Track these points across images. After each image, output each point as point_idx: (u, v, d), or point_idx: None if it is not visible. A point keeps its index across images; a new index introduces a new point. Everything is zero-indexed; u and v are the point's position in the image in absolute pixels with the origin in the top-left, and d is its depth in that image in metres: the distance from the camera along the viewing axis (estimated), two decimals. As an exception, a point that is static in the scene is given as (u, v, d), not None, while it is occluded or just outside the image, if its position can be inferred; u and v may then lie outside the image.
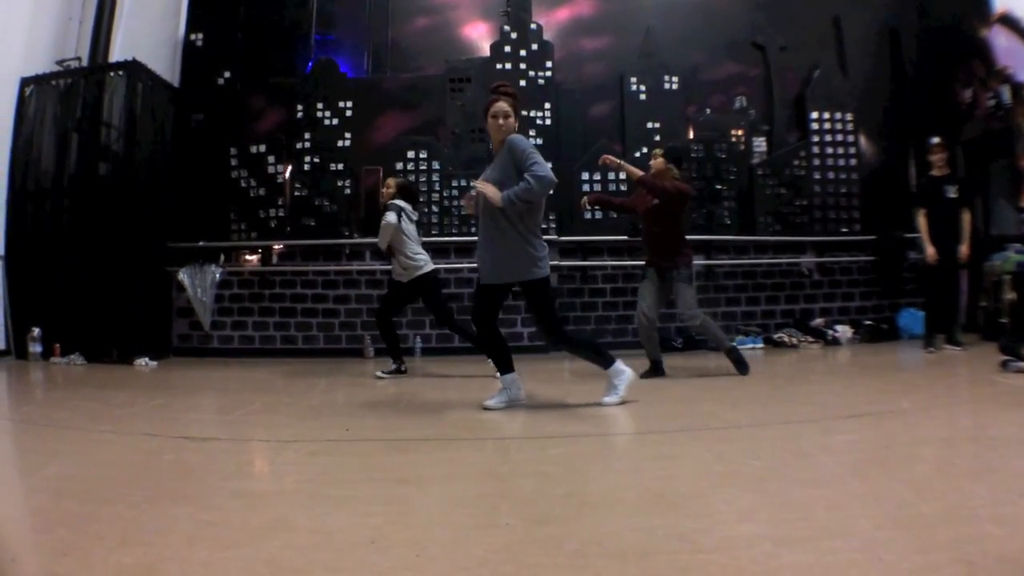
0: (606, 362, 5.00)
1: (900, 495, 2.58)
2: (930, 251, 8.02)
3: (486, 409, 4.82)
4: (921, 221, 8.15)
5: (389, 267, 7.33)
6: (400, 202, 7.12)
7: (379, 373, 7.07)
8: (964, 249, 7.87)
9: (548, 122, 9.66)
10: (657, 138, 9.73)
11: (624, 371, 4.98)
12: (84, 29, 9.95)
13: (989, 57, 9.78)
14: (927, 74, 10.39)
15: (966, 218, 7.91)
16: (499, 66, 9.71)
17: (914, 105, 10.33)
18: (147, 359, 8.39)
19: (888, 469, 2.99)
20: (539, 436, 4.05)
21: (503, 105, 4.87)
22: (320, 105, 9.83)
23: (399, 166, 9.41)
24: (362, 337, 9.17)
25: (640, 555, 2.09)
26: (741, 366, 6.44)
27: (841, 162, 10.04)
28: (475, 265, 5.33)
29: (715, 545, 2.15)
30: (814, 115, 10.06)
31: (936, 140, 8.21)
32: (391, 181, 7.33)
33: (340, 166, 9.68)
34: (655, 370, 6.49)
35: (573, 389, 5.96)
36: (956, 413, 4.45)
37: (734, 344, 6.65)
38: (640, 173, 6.47)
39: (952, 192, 7.99)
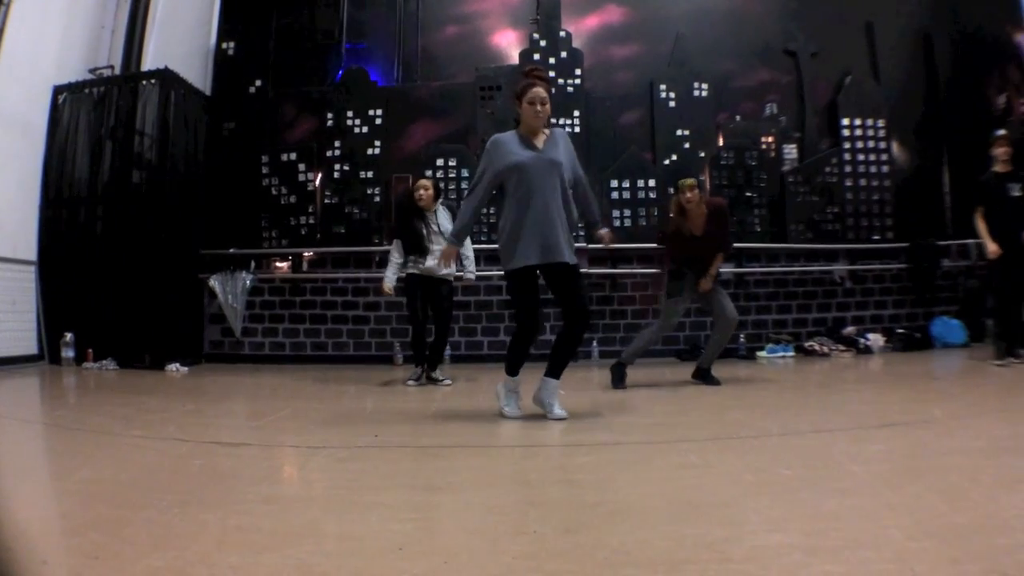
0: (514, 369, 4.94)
1: (933, 505, 2.55)
2: (992, 247, 7.33)
3: (561, 419, 4.68)
4: (979, 220, 7.52)
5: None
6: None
7: (446, 381, 7.03)
8: None
9: (578, 129, 9.67)
10: (687, 146, 9.73)
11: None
12: (116, 38, 10.10)
13: (1023, 62, 9.68)
14: (960, 80, 10.29)
15: None
16: (528, 73, 9.73)
17: (947, 111, 10.24)
18: (179, 365, 8.46)
19: (920, 479, 2.95)
20: (568, 444, 4.04)
21: (541, 91, 4.74)
22: (350, 113, 9.91)
23: (428, 173, 9.43)
24: (391, 344, 9.20)
25: (669, 564, 2.08)
26: (710, 380, 6.47)
27: (873, 169, 9.97)
28: (501, 272, 5.19)
29: (745, 555, 2.13)
30: (846, 122, 10.00)
31: (1001, 132, 7.81)
32: (427, 182, 7.12)
33: (370, 174, 9.75)
34: (620, 373, 6.47)
35: (601, 397, 5.94)
36: (990, 423, 4.39)
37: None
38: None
39: (1017, 190, 7.43)
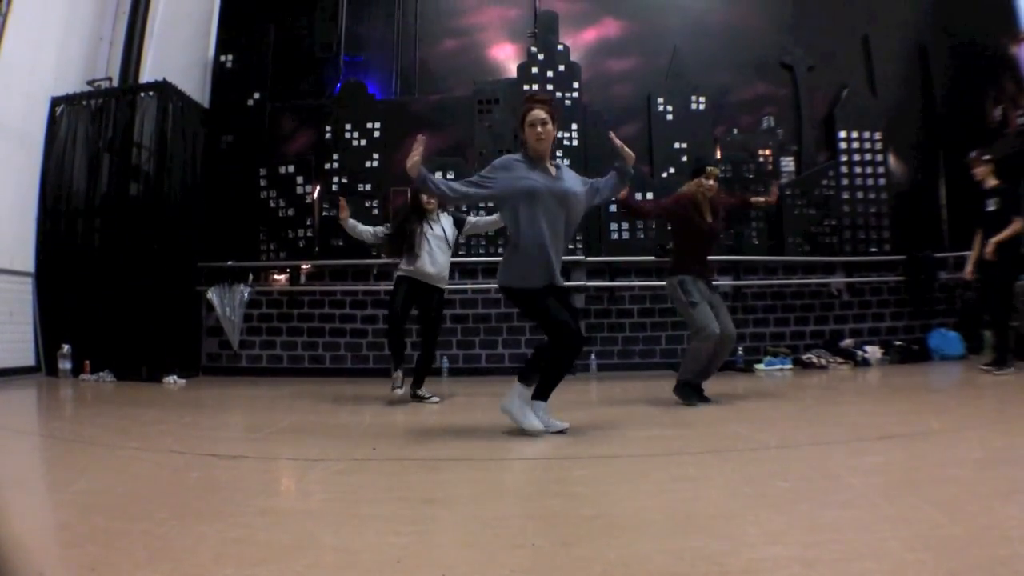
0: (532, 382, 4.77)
1: (931, 517, 2.55)
2: (966, 269, 7.94)
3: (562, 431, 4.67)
4: (975, 238, 7.91)
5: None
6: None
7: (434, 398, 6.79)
8: (988, 246, 7.57)
9: (575, 143, 9.70)
10: (685, 159, 9.73)
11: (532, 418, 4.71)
12: (115, 50, 10.12)
13: (1019, 75, 9.71)
14: (956, 92, 10.33)
15: (1012, 227, 7.51)
16: (526, 87, 9.79)
17: (943, 124, 10.27)
18: (176, 377, 8.46)
19: (918, 491, 2.95)
20: (566, 457, 4.03)
21: (539, 112, 4.67)
22: (348, 126, 9.94)
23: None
24: (390, 357, 9.18)
25: (667, 577, 2.08)
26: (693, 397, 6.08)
27: (870, 182, 10.00)
28: (495, 285, 5.13)
29: (743, 567, 2.13)
30: (842, 134, 10.04)
31: (972, 154, 7.98)
32: None
33: (368, 187, 9.75)
34: (700, 392, 6.13)
35: (600, 411, 5.94)
36: (988, 434, 4.39)
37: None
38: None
39: (991, 205, 7.76)
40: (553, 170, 4.79)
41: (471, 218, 7.05)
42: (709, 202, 6.30)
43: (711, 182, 6.23)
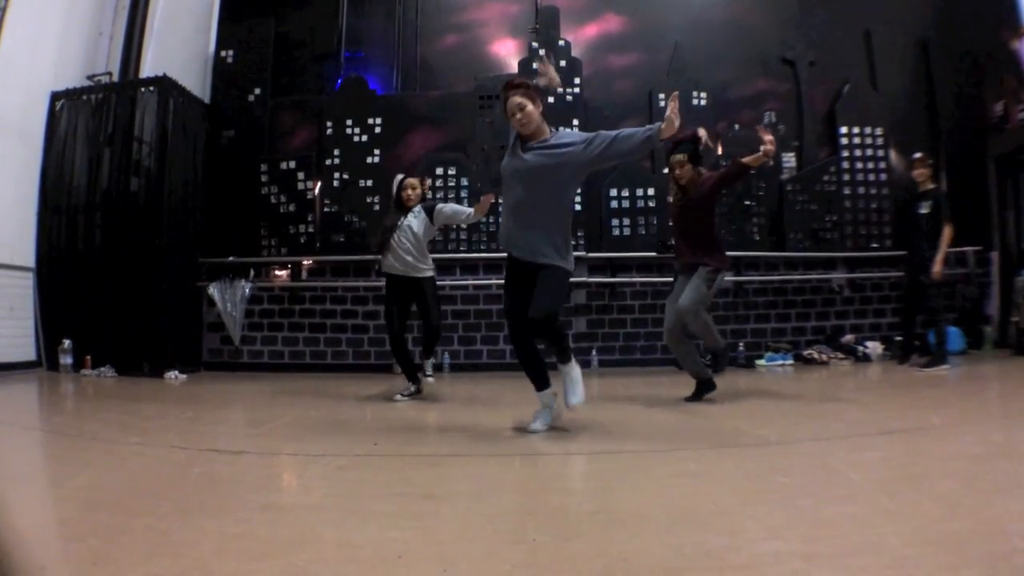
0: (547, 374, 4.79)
1: (930, 511, 2.55)
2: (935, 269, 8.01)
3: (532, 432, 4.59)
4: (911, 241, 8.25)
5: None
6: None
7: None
8: (935, 268, 7.84)
9: (577, 138, 9.67)
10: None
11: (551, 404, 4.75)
12: (115, 45, 10.11)
13: (1020, 70, 9.69)
14: (957, 88, 10.31)
15: (944, 235, 7.81)
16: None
17: (945, 119, 10.25)
18: (177, 372, 8.45)
19: (918, 486, 2.95)
20: (566, 453, 4.04)
21: (515, 99, 4.64)
22: (349, 122, 9.91)
23: (428, 182, 9.44)
24: (390, 353, 9.19)
25: (668, 572, 2.08)
26: (719, 364, 6.15)
27: (871, 177, 9.97)
28: (502, 281, 5.08)
29: (744, 562, 2.13)
30: (844, 130, 10.01)
31: (917, 155, 8.15)
32: (415, 181, 6.74)
33: (369, 182, 9.73)
34: (706, 388, 6.00)
35: (600, 406, 5.94)
36: (987, 429, 4.39)
37: (723, 349, 6.28)
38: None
39: (923, 208, 7.96)
40: (537, 144, 4.73)
41: (441, 205, 6.75)
42: (691, 186, 6.26)
43: (677, 171, 6.29)
